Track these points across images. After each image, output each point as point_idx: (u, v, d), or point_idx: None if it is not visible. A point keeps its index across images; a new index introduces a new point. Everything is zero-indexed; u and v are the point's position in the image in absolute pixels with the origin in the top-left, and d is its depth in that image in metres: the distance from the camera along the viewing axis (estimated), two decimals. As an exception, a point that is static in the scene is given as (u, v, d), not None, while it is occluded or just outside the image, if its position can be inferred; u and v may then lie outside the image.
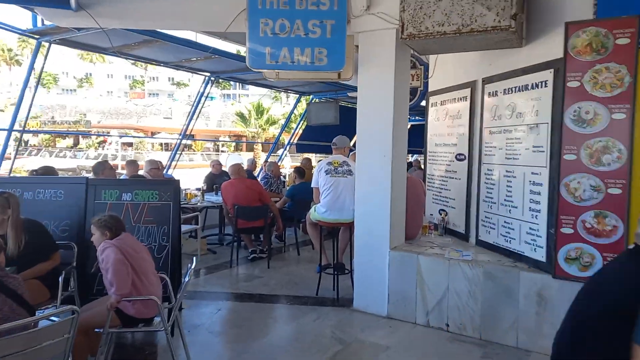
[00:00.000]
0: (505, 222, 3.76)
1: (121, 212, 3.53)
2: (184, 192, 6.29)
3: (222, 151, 38.42)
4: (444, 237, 4.47)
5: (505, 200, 3.75)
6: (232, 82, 64.79)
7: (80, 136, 44.89)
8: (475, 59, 4.18)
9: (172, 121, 42.85)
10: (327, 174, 4.47)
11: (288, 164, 22.33)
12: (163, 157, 36.81)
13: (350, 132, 12.14)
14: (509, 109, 3.71)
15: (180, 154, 8.44)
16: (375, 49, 3.97)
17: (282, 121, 31.27)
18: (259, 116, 30.24)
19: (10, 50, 61.88)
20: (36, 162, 35.27)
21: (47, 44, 5.26)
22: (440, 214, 4.70)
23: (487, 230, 3.99)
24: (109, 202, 3.56)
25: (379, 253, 3.99)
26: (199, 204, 6.23)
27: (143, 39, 5.34)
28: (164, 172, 7.79)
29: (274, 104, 46.44)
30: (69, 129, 41.26)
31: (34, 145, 44.64)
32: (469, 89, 4.29)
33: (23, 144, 44.56)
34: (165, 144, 40.44)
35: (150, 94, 62.32)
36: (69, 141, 45.47)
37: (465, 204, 4.34)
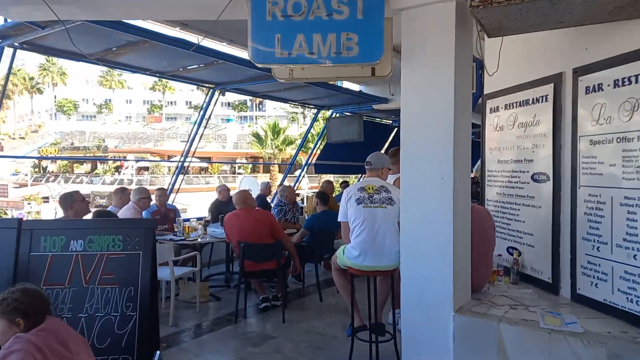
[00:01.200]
0: (627, 272, 2.56)
1: (68, 267, 2.46)
2: (181, 225, 5.23)
3: (238, 173, 37.73)
4: (520, 288, 3.26)
5: (626, 240, 2.55)
6: (248, 103, 64.95)
7: (97, 162, 44.86)
8: (562, 43, 3.05)
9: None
10: (358, 204, 3.32)
11: (306, 186, 21.27)
12: (179, 180, 36.33)
13: (375, 150, 11.02)
14: (626, 107, 2.55)
15: (184, 176, 7.43)
16: (426, 32, 2.86)
17: (300, 141, 30.38)
18: (276, 137, 29.38)
19: (32, 78, 63.26)
20: (53, 189, 35.13)
21: (11, 49, 4.32)
22: (511, 254, 3.51)
23: (593, 282, 2.78)
24: (51, 254, 2.49)
25: (438, 316, 2.80)
26: (199, 239, 5.13)
27: (127, 41, 4.37)
28: (167, 201, 6.75)
29: (290, 125, 45.86)
30: (86, 155, 41.18)
31: (52, 171, 44.77)
32: (551, 84, 3.13)
33: (41, 170, 44.82)
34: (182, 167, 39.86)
35: (167, 117, 62.55)
36: (87, 167, 45.51)
37: (550, 241, 3.14)
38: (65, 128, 56.77)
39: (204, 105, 6.73)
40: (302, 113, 54.21)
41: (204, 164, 38.47)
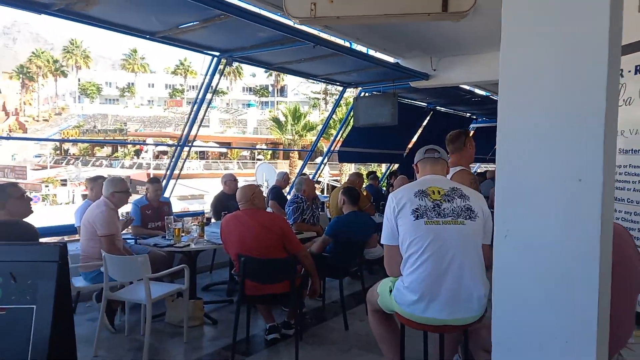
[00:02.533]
0: None
1: None
2: (172, 228, 4.10)
3: (257, 159, 36.79)
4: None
5: None
6: (270, 88, 64.21)
7: (118, 145, 44.54)
8: None
9: (209, 129, 41.98)
10: (417, 217, 2.08)
11: (327, 174, 20.04)
12: (198, 166, 35.63)
13: (409, 137, 9.66)
14: None
15: (184, 161, 6.34)
16: None
17: (321, 126, 29.05)
18: (296, 122, 28.13)
19: (56, 61, 63.45)
20: (71, 171, 34.88)
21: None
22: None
23: None
24: None
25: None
26: (192, 244, 4.00)
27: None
28: (162, 193, 5.66)
29: (312, 110, 44.56)
30: (106, 138, 40.86)
31: (74, 154, 44.72)
32: None
33: (62, 153, 44.79)
34: (201, 152, 39.40)
35: (189, 102, 61.97)
36: (108, 150, 45.31)
37: None
38: (88, 111, 56.92)
39: (207, 78, 5.53)
40: (324, 99, 52.88)
41: (211, 148, 37.53)
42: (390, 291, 2.17)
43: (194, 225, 4.34)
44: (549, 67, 1.67)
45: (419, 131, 10.02)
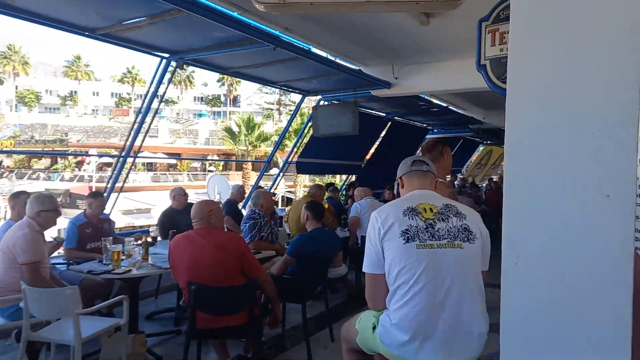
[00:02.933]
0: None
1: None
2: (110, 250, 3.57)
3: (209, 171, 35.76)
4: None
5: None
6: (222, 98, 63.13)
7: (57, 156, 41.91)
8: None
9: (157, 140, 40.53)
10: (407, 240, 1.73)
11: (283, 186, 19.60)
12: (145, 178, 34.10)
13: (367, 147, 9.42)
14: None
15: (128, 172, 5.77)
16: None
17: (278, 137, 28.59)
18: (250, 132, 27.55)
19: (-8, 69, 59.22)
20: (4, 185, 32.31)
21: None
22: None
23: None
24: None
25: None
26: (134, 269, 3.48)
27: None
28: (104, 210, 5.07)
29: (265, 121, 43.97)
30: (44, 149, 38.33)
31: (8, 166, 41.60)
32: None
33: (-7, 165, 41.59)
34: (148, 163, 37.84)
35: (136, 111, 59.57)
36: (47, 162, 42.51)
37: None
38: (26, 120, 53.39)
39: (155, 82, 5.00)
40: (278, 110, 52.49)
41: (159, 160, 36.25)
42: (374, 328, 1.80)
43: (136, 245, 3.81)
44: (570, 65, 1.40)
45: (377, 142, 9.86)
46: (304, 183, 26.51)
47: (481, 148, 16.53)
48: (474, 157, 16.95)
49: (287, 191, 24.66)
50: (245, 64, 5.28)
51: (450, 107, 8.57)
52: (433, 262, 1.70)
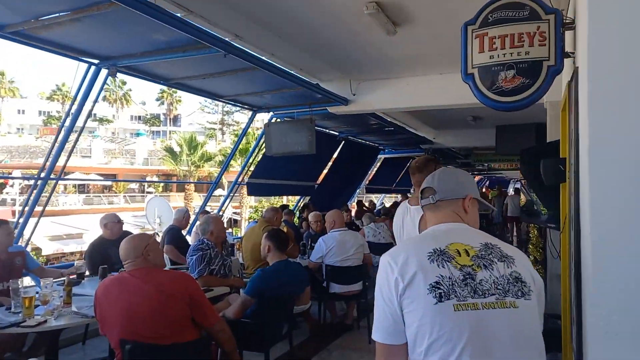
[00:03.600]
0: None
1: None
2: (20, 296, 2.84)
3: (148, 192, 33.90)
4: None
5: None
6: (161, 117, 61.05)
7: (-26, 178, 38.11)
8: None
9: (91, 160, 38.15)
10: (440, 298, 1.16)
11: (230, 209, 18.68)
12: (76, 200, 31.74)
13: (321, 167, 8.98)
14: None
15: (50, 195, 5.03)
16: None
17: (220, 158, 27.54)
18: (192, 152, 26.42)
19: None
20: None
21: None
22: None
23: None
24: None
25: None
26: (52, 318, 2.77)
27: None
28: (18, 237, 4.33)
29: (208, 141, 42.62)
30: (-41, 170, 34.72)
31: None
32: None
33: None
34: (80, 185, 35.34)
35: (59, 128, 55.82)
36: (-38, 184, 38.50)
37: None
38: (-62, 140, 48.36)
39: (81, 92, 4.26)
40: (221, 129, 51.27)
41: (91, 181, 34.05)
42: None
43: (58, 285, 3.10)
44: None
45: (330, 162, 9.51)
46: (249, 204, 25.69)
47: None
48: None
49: (234, 212, 23.73)
50: (191, 73, 4.71)
51: (403, 126, 8.40)
52: (478, 329, 1.18)
